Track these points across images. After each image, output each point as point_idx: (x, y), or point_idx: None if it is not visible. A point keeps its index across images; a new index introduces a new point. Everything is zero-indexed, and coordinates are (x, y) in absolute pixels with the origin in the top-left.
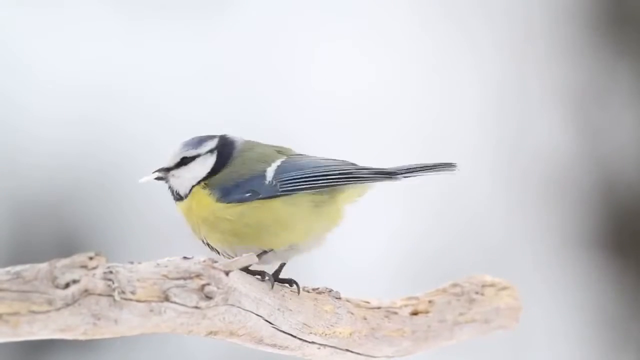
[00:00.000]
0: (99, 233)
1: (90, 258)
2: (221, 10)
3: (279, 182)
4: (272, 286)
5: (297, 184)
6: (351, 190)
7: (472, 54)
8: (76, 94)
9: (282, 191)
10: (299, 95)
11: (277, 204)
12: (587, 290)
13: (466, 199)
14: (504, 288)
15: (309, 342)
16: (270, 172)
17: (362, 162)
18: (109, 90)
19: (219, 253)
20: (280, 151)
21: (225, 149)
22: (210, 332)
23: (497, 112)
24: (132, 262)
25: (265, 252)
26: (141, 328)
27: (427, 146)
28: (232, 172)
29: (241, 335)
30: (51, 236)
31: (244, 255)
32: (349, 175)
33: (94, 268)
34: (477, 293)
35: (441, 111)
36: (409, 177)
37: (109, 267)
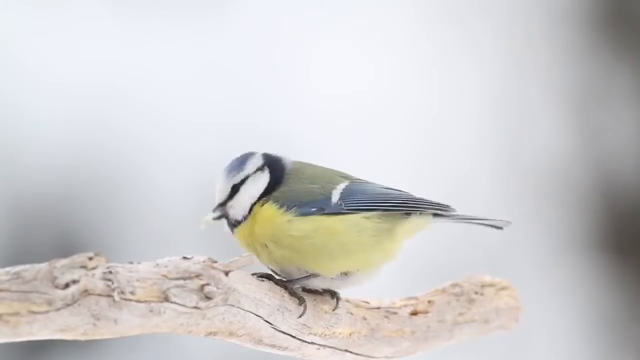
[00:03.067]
0: (99, 233)
1: (90, 258)
2: (221, 10)
3: (343, 201)
4: (301, 315)
5: (362, 204)
6: (410, 224)
7: (472, 54)
8: (76, 94)
9: (347, 209)
10: (299, 96)
11: (340, 225)
12: (587, 290)
13: (466, 199)
14: (504, 288)
15: (309, 343)
16: (336, 194)
17: (362, 161)
18: (109, 91)
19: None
20: (342, 175)
21: (276, 165)
22: (210, 333)
23: (497, 112)
24: (131, 262)
25: (314, 275)
26: (141, 328)
27: (427, 146)
28: (298, 189)
29: (241, 336)
30: (51, 236)
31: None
32: (409, 204)
33: (94, 268)
34: (476, 293)
35: (441, 111)
36: (460, 221)
37: (108, 267)
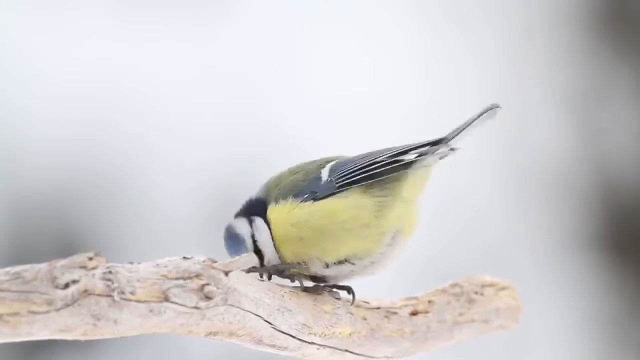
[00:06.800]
0: (99, 233)
1: (90, 258)
2: (221, 11)
3: (334, 178)
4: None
5: (352, 176)
6: (412, 177)
7: (472, 54)
8: (76, 94)
9: (339, 187)
10: (299, 96)
11: (337, 205)
12: (587, 290)
13: (466, 199)
14: (504, 288)
15: (309, 343)
16: (325, 172)
17: None
18: (109, 91)
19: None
20: (331, 159)
21: (251, 207)
22: (210, 333)
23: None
24: (131, 262)
25: (299, 264)
26: (141, 328)
27: None
28: (290, 180)
29: (241, 336)
30: (51, 236)
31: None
32: (397, 156)
33: (94, 268)
34: (476, 293)
35: (441, 111)
36: (458, 137)
37: (108, 267)
